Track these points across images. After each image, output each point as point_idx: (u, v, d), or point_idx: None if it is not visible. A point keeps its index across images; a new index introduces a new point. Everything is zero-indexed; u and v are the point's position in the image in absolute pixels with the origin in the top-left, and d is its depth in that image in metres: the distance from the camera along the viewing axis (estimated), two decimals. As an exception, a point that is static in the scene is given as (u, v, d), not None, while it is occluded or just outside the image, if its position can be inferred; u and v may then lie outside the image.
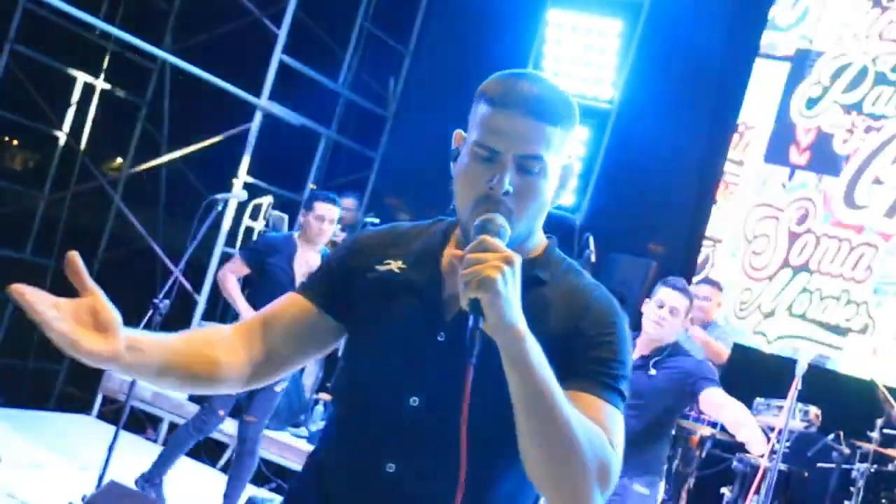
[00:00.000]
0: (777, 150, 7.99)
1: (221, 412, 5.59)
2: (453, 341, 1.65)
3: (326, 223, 5.52)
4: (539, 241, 1.84)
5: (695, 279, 7.58)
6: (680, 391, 4.35)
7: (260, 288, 5.55)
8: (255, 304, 5.48)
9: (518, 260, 1.53)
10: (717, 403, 4.36)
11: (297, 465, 6.89)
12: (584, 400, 1.63)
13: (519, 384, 1.54)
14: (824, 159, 7.76)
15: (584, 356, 1.69)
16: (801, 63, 8.01)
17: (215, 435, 7.30)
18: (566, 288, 1.78)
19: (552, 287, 1.77)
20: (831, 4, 7.99)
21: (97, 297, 1.57)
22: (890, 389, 6.15)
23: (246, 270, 5.63)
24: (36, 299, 1.51)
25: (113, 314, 1.57)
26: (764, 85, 8.17)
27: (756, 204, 8.01)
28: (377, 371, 1.81)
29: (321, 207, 5.51)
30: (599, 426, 1.60)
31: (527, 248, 1.79)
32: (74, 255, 1.54)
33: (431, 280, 1.79)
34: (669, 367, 4.37)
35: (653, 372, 4.34)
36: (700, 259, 8.16)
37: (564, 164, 1.78)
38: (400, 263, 1.83)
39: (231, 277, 5.58)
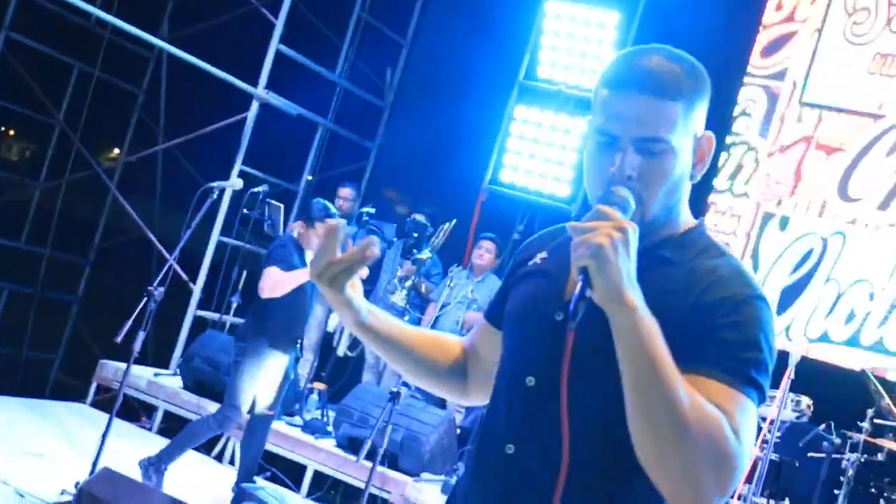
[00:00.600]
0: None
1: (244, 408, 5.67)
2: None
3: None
4: (681, 221, 1.78)
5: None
6: None
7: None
8: (281, 304, 5.57)
9: (633, 229, 1.49)
10: None
11: (291, 454, 6.91)
12: (705, 385, 1.52)
13: (625, 357, 1.49)
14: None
15: (709, 338, 1.57)
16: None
17: (186, 414, 7.35)
18: (697, 267, 1.67)
19: (681, 267, 1.68)
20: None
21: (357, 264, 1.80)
22: (880, 380, 6.19)
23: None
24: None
25: (358, 283, 1.84)
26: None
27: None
28: (506, 355, 1.83)
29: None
30: (721, 412, 1.49)
31: (661, 228, 1.72)
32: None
33: (560, 263, 1.75)
34: None
35: None
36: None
37: (697, 135, 1.72)
38: (543, 254, 1.85)
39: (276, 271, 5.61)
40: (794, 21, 8.09)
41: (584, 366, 1.59)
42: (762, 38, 8.19)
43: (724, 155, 8.05)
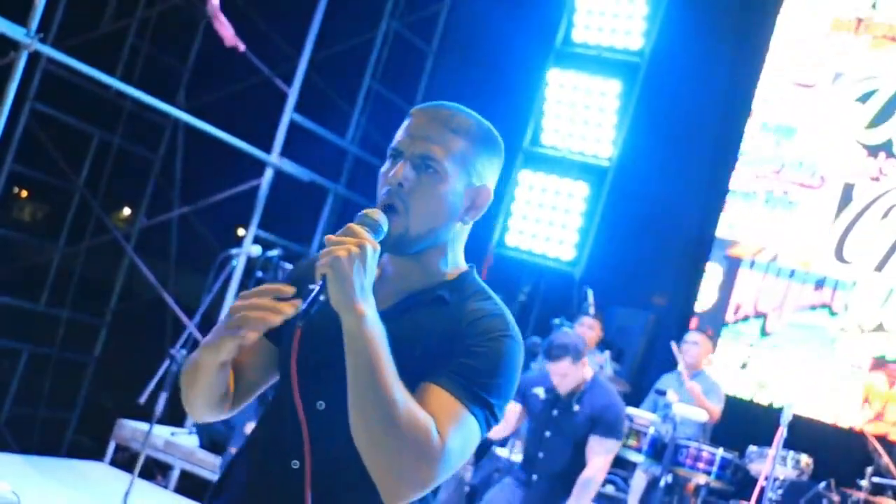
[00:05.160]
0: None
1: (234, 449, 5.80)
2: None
3: None
4: (458, 263, 1.96)
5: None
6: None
7: None
8: None
9: (373, 247, 1.68)
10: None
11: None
12: (435, 393, 1.74)
13: (349, 356, 1.67)
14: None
15: (455, 360, 1.77)
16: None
17: (202, 473, 7.51)
18: (466, 307, 1.86)
19: (455, 308, 1.87)
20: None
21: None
22: (879, 439, 6.35)
23: None
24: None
25: None
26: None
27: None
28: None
29: None
30: (434, 416, 1.69)
31: (441, 270, 1.91)
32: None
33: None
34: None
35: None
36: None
37: (475, 183, 1.90)
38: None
39: None
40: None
41: (311, 362, 1.79)
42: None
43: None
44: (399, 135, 1.88)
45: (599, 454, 5.06)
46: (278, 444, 1.86)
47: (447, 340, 1.80)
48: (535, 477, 5.30)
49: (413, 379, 1.73)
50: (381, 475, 1.69)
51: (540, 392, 5.26)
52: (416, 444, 1.66)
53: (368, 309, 1.67)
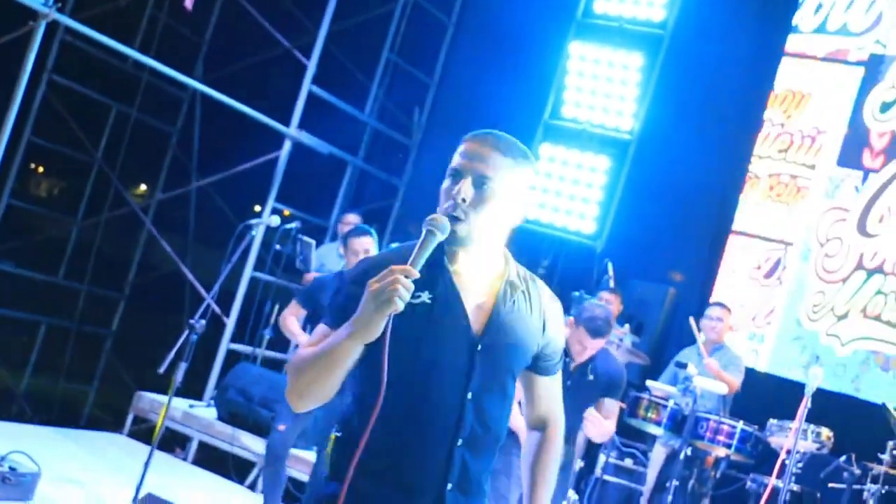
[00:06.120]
0: (850, 154, 8.12)
1: (281, 427, 5.80)
2: None
3: (362, 254, 5.72)
4: (502, 252, 2.42)
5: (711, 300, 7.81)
6: None
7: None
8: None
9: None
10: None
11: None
12: (555, 384, 2.55)
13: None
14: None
15: (553, 350, 2.50)
16: (874, 67, 8.15)
17: (242, 453, 7.53)
18: (540, 289, 2.47)
19: (526, 286, 2.47)
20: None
21: None
22: (901, 413, 6.30)
23: (303, 311, 5.88)
24: None
25: None
26: (836, 90, 8.30)
27: (829, 208, 8.13)
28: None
29: (355, 242, 5.72)
30: (555, 402, 2.58)
31: (480, 247, 2.31)
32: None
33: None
34: None
35: None
36: (769, 263, 8.27)
37: (520, 193, 2.33)
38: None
39: (291, 318, 5.86)
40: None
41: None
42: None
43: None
44: (456, 159, 2.31)
45: (614, 412, 5.08)
46: (432, 423, 2.23)
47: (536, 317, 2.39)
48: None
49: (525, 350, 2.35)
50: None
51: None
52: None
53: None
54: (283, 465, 5.84)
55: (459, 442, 2.22)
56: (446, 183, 2.29)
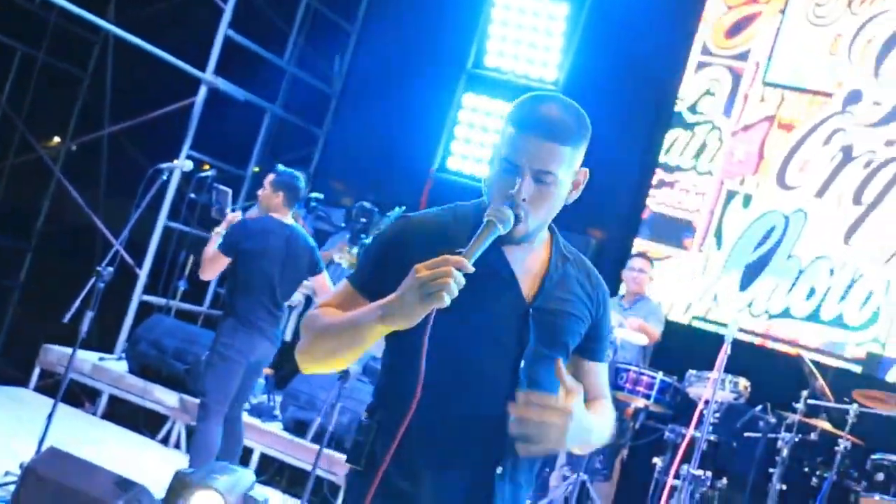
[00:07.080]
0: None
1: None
2: None
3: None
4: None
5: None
6: None
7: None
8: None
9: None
10: None
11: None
12: (602, 371, 2.37)
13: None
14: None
15: (603, 334, 2.37)
16: None
17: (154, 406, 7.33)
18: (589, 269, 2.36)
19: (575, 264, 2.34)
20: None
21: None
22: (814, 363, 6.39)
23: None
24: None
25: None
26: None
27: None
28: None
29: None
30: (604, 387, 2.40)
31: (534, 237, 2.17)
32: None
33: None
34: None
35: None
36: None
37: (576, 171, 2.16)
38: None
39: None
40: (758, 2, 8.24)
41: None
42: (726, 20, 8.33)
43: (687, 133, 8.23)
44: (512, 150, 2.08)
45: None
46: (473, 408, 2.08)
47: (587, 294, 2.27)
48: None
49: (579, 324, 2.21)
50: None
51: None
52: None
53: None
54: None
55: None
56: (499, 175, 2.10)
